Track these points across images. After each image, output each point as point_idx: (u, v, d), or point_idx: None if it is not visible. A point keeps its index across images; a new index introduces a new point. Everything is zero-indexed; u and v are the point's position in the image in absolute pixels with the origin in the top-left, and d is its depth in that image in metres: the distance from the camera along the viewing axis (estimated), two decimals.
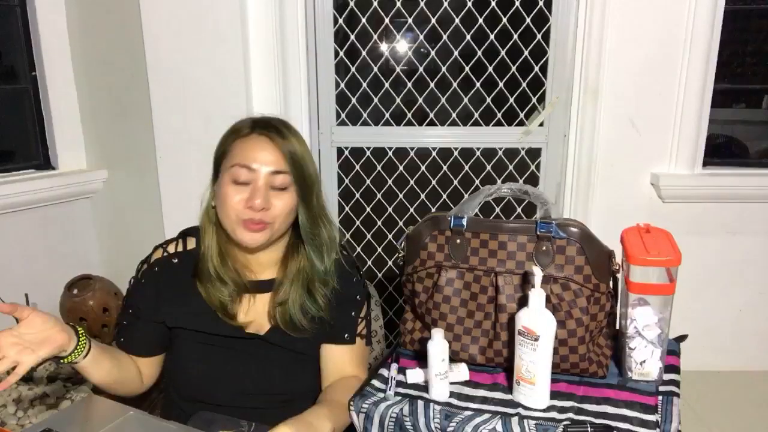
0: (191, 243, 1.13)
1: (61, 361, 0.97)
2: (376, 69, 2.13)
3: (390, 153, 2.20)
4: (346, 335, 1.13)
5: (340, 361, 1.13)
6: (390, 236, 2.29)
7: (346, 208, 2.27)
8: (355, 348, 1.14)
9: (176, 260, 1.12)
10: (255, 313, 1.11)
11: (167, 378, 1.17)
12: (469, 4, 2.05)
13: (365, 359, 1.18)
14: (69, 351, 0.96)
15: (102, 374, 1.02)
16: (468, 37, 2.09)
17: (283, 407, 1.07)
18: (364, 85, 2.15)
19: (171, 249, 1.13)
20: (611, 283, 1.03)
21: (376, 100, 2.16)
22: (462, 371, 1.05)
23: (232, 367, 1.11)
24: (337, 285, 1.13)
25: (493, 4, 2.05)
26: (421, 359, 1.10)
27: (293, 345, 1.10)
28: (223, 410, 1.07)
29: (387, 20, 2.08)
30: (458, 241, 1.06)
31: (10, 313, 0.94)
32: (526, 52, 2.09)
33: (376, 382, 1.05)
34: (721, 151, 2.34)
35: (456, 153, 2.19)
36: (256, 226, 1.02)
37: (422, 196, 2.25)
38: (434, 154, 2.20)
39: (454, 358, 1.06)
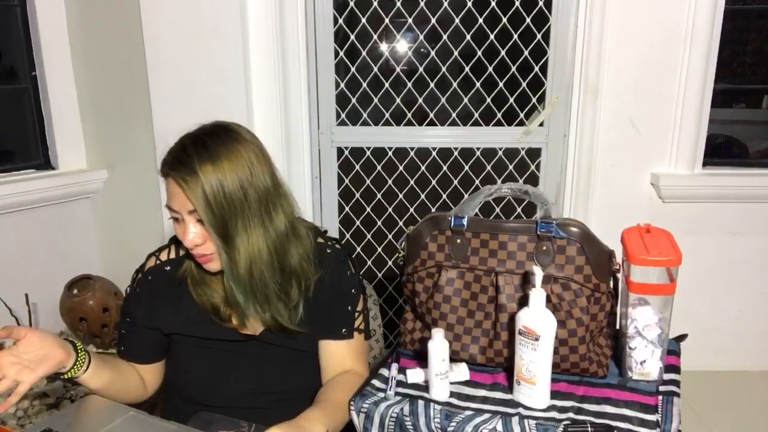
0: (183, 249, 1.13)
1: (62, 376, 0.98)
2: (376, 69, 2.13)
3: (390, 153, 2.20)
4: (343, 330, 1.12)
5: (339, 357, 1.13)
6: (390, 236, 2.29)
7: (346, 208, 2.27)
8: (353, 343, 1.13)
9: (168, 267, 1.12)
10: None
11: (167, 381, 1.18)
12: (469, 4, 2.05)
13: (365, 353, 1.17)
14: (68, 366, 0.97)
15: (103, 385, 1.03)
16: (468, 37, 2.09)
17: (284, 406, 1.07)
18: (364, 85, 2.15)
19: (163, 257, 1.14)
20: (611, 282, 1.03)
21: (376, 100, 2.16)
22: (462, 371, 1.05)
23: (230, 369, 1.11)
24: (329, 279, 1.11)
25: (493, 4, 2.05)
26: (421, 359, 1.10)
27: (290, 343, 1.10)
28: (224, 411, 1.07)
29: (387, 20, 2.08)
30: (458, 241, 1.06)
31: (6, 337, 0.94)
32: (526, 52, 2.09)
33: (376, 382, 1.05)
34: (721, 151, 2.34)
35: (456, 153, 2.19)
36: (202, 259, 1.02)
37: (422, 196, 2.25)
38: (434, 154, 2.20)
39: (454, 358, 1.06)
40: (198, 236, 0.99)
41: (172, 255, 1.14)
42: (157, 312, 1.10)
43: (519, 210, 2.27)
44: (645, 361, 1.01)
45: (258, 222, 1.00)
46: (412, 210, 2.26)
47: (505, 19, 2.06)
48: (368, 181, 2.22)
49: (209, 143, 0.99)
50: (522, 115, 2.15)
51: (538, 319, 0.92)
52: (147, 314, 1.11)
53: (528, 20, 2.05)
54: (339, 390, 1.07)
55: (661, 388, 1.00)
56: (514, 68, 2.10)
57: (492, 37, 2.08)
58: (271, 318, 1.05)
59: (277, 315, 1.05)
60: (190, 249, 1.01)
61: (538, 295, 0.92)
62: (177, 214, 1.00)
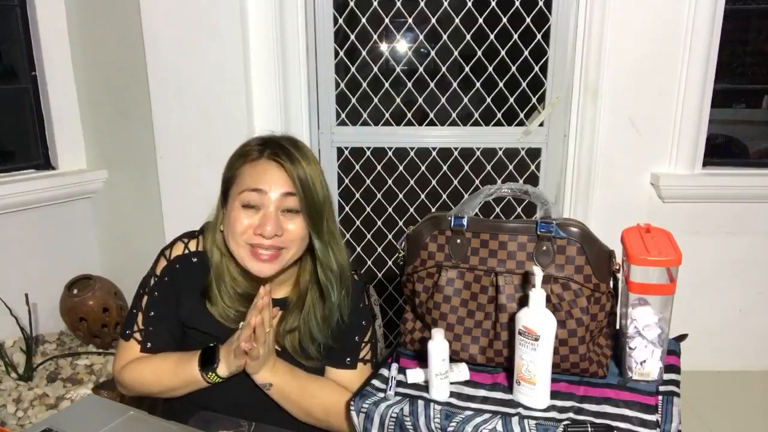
0: (211, 242, 1.12)
1: (209, 375, 1.03)
2: (376, 69, 2.13)
3: (390, 153, 2.20)
4: (347, 360, 1.13)
5: (340, 384, 1.13)
6: (390, 236, 2.29)
7: (346, 208, 2.27)
8: (356, 373, 1.13)
9: (195, 259, 1.11)
10: None
11: None
12: (469, 4, 2.05)
13: None
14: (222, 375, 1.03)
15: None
16: (468, 37, 2.09)
17: (282, 412, 1.07)
18: (364, 85, 2.15)
19: (192, 246, 1.12)
20: (611, 282, 1.03)
21: (376, 100, 2.16)
22: (462, 371, 1.05)
23: (237, 377, 1.09)
24: (344, 311, 1.11)
25: (493, 4, 2.05)
26: (421, 359, 1.10)
27: (302, 366, 1.10)
28: (220, 412, 1.07)
29: (387, 20, 2.08)
30: (458, 241, 1.06)
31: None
32: (526, 52, 2.09)
33: (376, 382, 1.05)
34: (721, 151, 2.34)
35: (456, 153, 2.19)
36: (265, 255, 1.01)
37: (422, 196, 2.25)
38: (434, 154, 2.20)
39: (454, 358, 1.06)
40: (279, 227, 1.00)
41: (201, 247, 1.12)
42: (181, 302, 1.10)
43: (519, 210, 2.27)
44: (645, 361, 1.01)
45: (333, 228, 1.07)
46: (412, 210, 2.26)
47: (505, 19, 2.06)
48: (368, 181, 2.22)
49: (301, 146, 1.05)
50: (522, 115, 2.15)
51: (538, 319, 0.92)
52: (173, 303, 1.09)
53: (528, 20, 2.05)
54: (331, 388, 1.09)
55: (661, 388, 1.00)
56: (514, 68, 2.10)
57: (492, 37, 2.08)
58: (328, 328, 1.09)
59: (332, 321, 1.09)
60: (266, 238, 0.99)
61: (538, 295, 0.92)
62: (261, 199, 1.00)
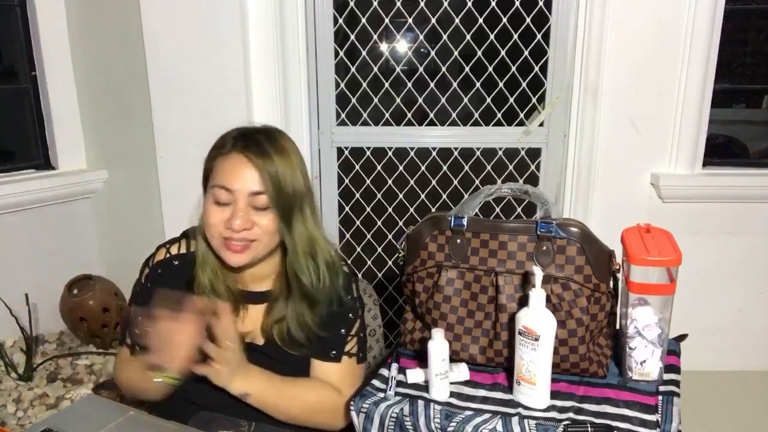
0: (193, 245, 1.12)
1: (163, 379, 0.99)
2: (376, 69, 2.13)
3: (390, 153, 2.20)
4: (332, 353, 1.12)
5: (326, 378, 1.12)
6: (390, 236, 2.29)
7: (346, 208, 2.27)
8: (341, 366, 1.12)
9: (177, 262, 1.12)
10: (251, 324, 1.11)
11: None
12: (469, 4, 2.05)
13: (353, 377, 1.15)
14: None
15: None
16: (468, 37, 2.09)
17: None
18: (364, 85, 2.15)
19: (173, 250, 1.14)
20: (611, 282, 1.03)
21: (376, 100, 2.16)
22: (462, 371, 1.06)
23: None
24: (330, 301, 1.11)
25: (493, 4, 2.05)
26: (421, 359, 1.10)
27: (288, 358, 1.10)
28: (219, 411, 1.07)
29: (387, 20, 2.08)
30: (458, 241, 1.06)
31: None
32: (526, 52, 2.09)
33: (376, 382, 1.05)
34: (721, 151, 2.34)
35: (456, 153, 2.19)
36: (237, 246, 1.02)
37: (422, 196, 2.25)
38: (434, 154, 2.20)
39: (454, 358, 1.06)
40: (248, 221, 1.00)
41: (183, 250, 1.14)
42: None
43: (519, 210, 2.27)
44: (645, 361, 1.01)
45: (308, 220, 1.05)
46: (412, 210, 2.26)
47: (505, 19, 2.06)
48: (368, 181, 2.22)
49: (276, 137, 1.04)
50: (522, 115, 2.15)
51: (538, 319, 0.92)
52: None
53: (528, 20, 2.05)
54: (310, 387, 1.09)
55: (661, 388, 1.00)
56: (514, 68, 2.10)
57: (492, 37, 2.08)
58: (315, 317, 1.08)
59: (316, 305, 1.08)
60: (235, 231, 1.00)
61: (538, 295, 0.92)
62: (230, 196, 1.00)
